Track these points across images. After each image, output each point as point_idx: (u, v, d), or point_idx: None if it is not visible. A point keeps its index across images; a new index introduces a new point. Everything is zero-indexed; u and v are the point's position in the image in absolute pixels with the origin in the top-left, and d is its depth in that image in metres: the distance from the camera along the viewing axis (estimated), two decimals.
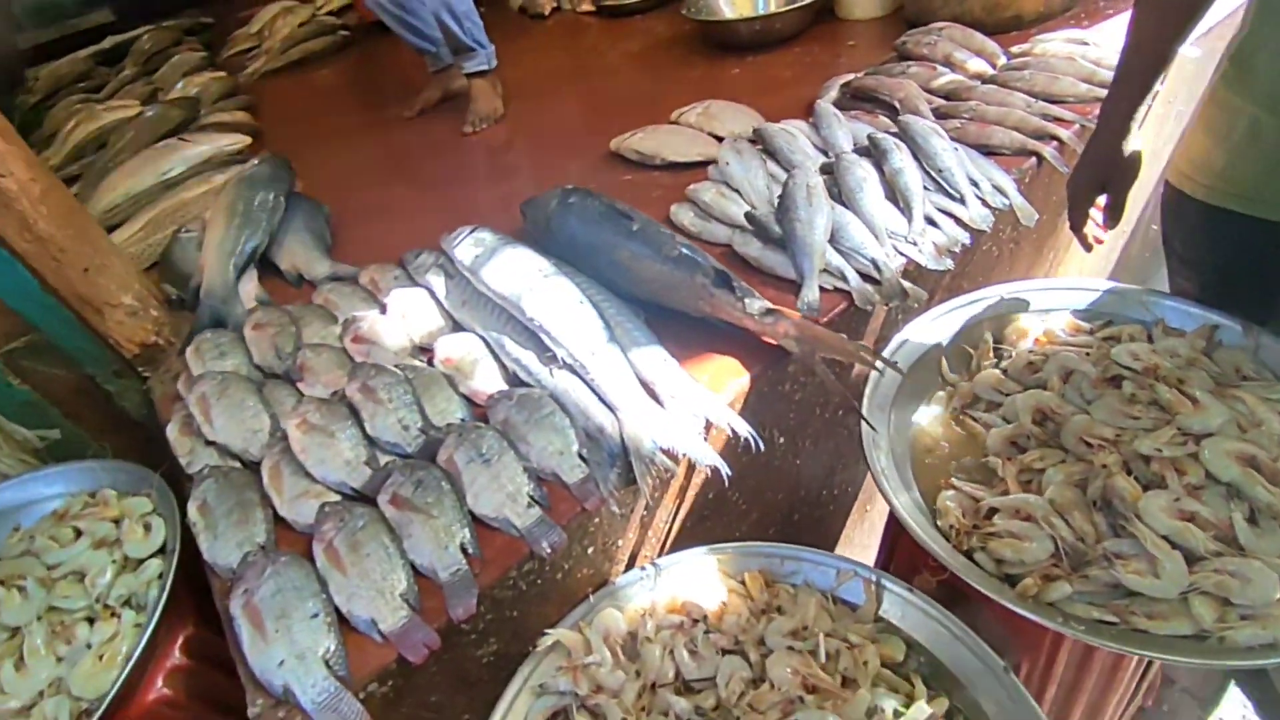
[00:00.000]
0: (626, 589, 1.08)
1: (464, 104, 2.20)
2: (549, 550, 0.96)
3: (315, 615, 0.92)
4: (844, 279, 1.27)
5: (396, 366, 1.22)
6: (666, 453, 1.02)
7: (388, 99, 2.51)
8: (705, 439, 1.06)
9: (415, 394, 1.16)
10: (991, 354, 1.22)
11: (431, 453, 1.08)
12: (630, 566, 1.12)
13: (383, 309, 1.39)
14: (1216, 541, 0.88)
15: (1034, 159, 1.48)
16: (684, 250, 1.23)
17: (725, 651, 0.97)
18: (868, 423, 1.06)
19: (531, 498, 1.00)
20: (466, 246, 1.39)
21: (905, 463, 1.08)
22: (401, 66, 2.72)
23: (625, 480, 1.02)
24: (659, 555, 1.14)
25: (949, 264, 1.31)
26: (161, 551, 1.23)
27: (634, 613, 1.05)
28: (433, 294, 1.38)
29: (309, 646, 0.89)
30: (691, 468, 1.11)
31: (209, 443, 1.20)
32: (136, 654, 1.06)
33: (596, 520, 1.02)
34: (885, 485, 0.99)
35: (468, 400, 1.18)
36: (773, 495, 1.32)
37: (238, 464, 1.17)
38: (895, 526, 1.24)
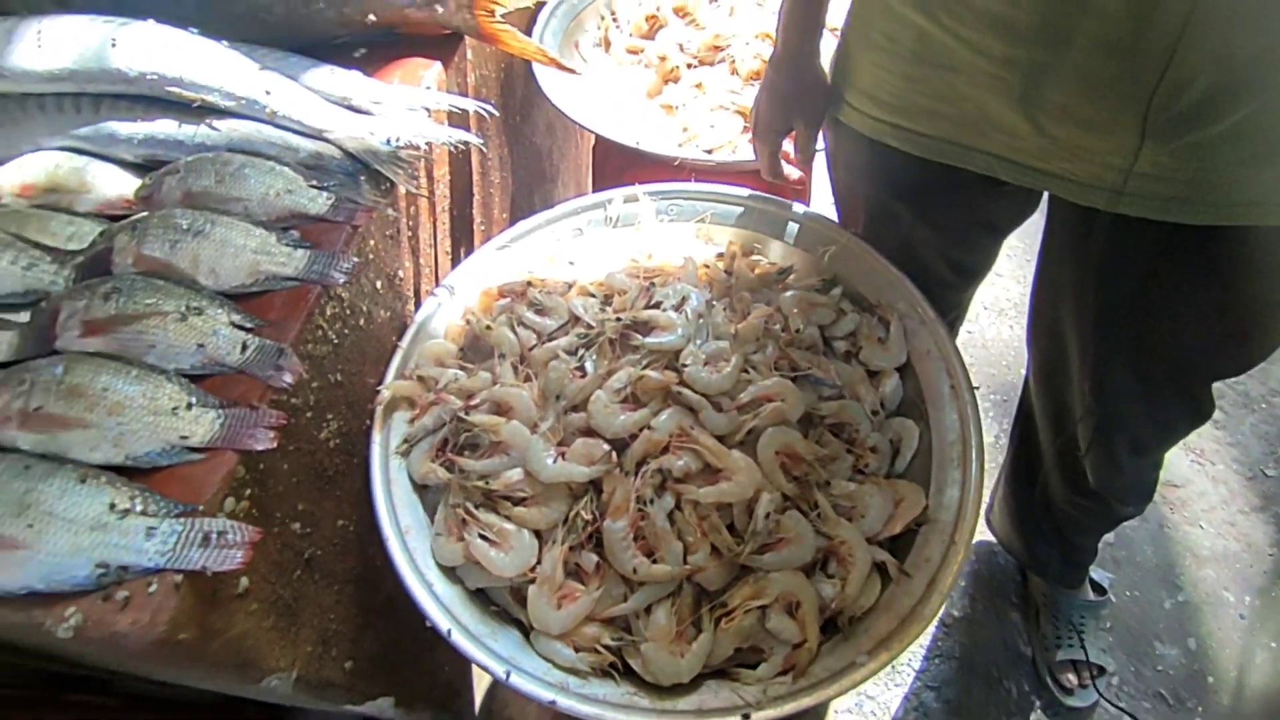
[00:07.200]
0: (429, 323, 0.97)
1: None
2: (344, 277, 0.80)
3: (83, 481, 0.63)
4: None
5: None
6: (405, 147, 0.91)
7: None
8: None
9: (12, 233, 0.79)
10: None
11: (96, 270, 0.78)
12: (419, 302, 1.01)
13: None
14: None
15: None
16: None
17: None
18: None
19: (286, 243, 0.81)
20: None
21: None
22: None
23: (378, 187, 0.89)
24: (440, 278, 1.05)
25: None
26: None
27: (455, 332, 0.97)
28: None
29: (93, 513, 0.62)
30: (432, 172, 1.01)
31: None
32: None
33: (371, 243, 0.88)
34: None
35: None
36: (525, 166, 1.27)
37: None
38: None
